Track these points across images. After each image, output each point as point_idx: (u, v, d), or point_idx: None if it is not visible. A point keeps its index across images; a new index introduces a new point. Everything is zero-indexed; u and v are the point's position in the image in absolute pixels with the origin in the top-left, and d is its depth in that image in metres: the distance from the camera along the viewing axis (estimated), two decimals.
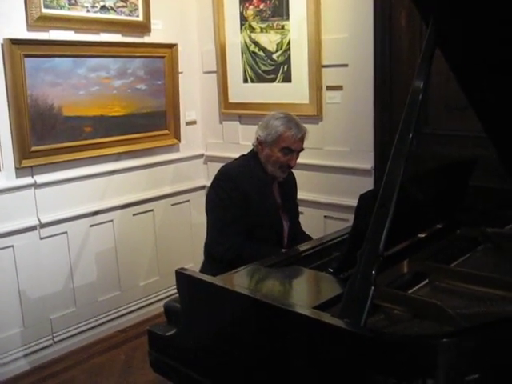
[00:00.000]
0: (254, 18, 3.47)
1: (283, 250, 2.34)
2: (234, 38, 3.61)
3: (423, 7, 1.64)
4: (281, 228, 2.56)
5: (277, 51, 3.41)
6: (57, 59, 3.04)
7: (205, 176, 4.02)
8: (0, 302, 2.99)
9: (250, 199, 2.41)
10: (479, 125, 2.02)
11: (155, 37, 3.55)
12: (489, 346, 1.30)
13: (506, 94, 1.71)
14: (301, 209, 2.82)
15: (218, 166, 2.70)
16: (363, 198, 1.65)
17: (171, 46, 3.57)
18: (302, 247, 2.17)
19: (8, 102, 2.89)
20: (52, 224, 3.16)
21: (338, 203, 3.25)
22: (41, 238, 3.13)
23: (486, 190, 2.58)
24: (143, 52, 3.45)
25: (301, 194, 2.78)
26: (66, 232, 3.24)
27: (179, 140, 3.78)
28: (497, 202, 2.48)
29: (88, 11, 3.17)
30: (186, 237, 3.91)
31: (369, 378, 1.28)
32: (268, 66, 3.48)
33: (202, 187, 3.99)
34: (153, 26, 3.52)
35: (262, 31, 3.46)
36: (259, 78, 3.54)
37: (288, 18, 3.30)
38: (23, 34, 2.93)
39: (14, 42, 2.82)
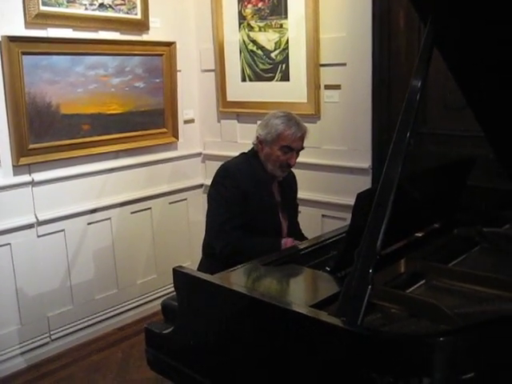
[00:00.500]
0: (252, 16, 3.47)
1: (282, 241, 2.35)
2: (233, 37, 3.61)
3: (421, 7, 1.64)
4: (279, 227, 2.56)
5: (275, 50, 3.41)
6: (55, 57, 3.03)
7: (202, 174, 4.02)
8: None
9: (249, 197, 2.41)
10: (477, 124, 2.03)
11: (153, 35, 3.55)
12: (485, 344, 1.31)
13: (504, 94, 1.72)
14: (299, 208, 2.82)
15: (216, 164, 2.71)
16: (360, 196, 1.65)
17: (169, 44, 3.57)
18: (301, 245, 2.17)
19: (6, 99, 2.88)
20: (49, 222, 3.16)
21: (336, 202, 3.26)
22: (38, 236, 3.12)
23: (484, 190, 2.59)
24: (141, 50, 3.45)
25: (299, 193, 2.78)
26: (63, 230, 3.23)
27: (177, 138, 3.78)
28: (494, 201, 2.48)
29: (86, 9, 3.17)
30: (184, 235, 3.91)
31: (365, 377, 1.29)
32: (266, 65, 3.48)
33: (200, 186, 3.99)
34: (151, 24, 3.52)
35: (260, 30, 3.46)
36: (257, 76, 3.54)
37: (286, 17, 3.30)
38: (21, 31, 2.92)
39: (12, 39, 2.81)
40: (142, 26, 3.47)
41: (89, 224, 3.36)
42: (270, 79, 3.47)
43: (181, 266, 1.83)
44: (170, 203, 3.83)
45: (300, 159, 2.59)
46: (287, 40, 3.33)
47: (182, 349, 1.82)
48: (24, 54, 2.87)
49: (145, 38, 3.51)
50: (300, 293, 1.84)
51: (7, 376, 3.02)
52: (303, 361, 1.44)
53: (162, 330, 1.89)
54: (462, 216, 2.31)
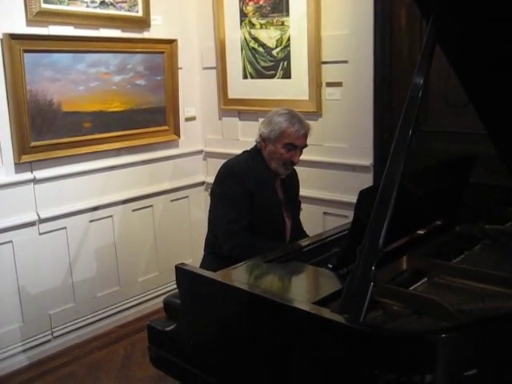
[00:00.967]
0: (253, 13, 3.47)
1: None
2: (234, 34, 3.61)
3: (424, 4, 1.64)
4: (283, 225, 2.56)
5: (276, 47, 3.41)
6: (56, 54, 3.03)
7: (204, 172, 4.02)
8: None
9: (253, 195, 2.41)
10: (479, 122, 2.03)
11: (155, 32, 3.55)
12: (487, 341, 1.31)
13: (506, 91, 1.72)
14: (301, 205, 2.82)
15: (218, 162, 2.71)
16: (363, 194, 1.65)
17: (171, 42, 3.57)
18: (302, 243, 2.17)
19: (7, 97, 2.88)
20: (51, 219, 3.16)
21: (338, 199, 3.26)
22: (40, 234, 3.13)
23: (486, 187, 2.59)
24: (143, 48, 3.45)
25: (300, 191, 2.78)
26: (65, 227, 3.24)
27: (178, 136, 3.78)
28: (496, 199, 2.48)
29: (87, 6, 3.16)
30: (185, 232, 3.91)
31: (368, 374, 1.29)
32: (268, 62, 3.47)
33: (202, 183, 3.99)
34: (152, 22, 3.52)
35: (261, 27, 3.45)
36: (259, 74, 3.54)
37: (288, 14, 3.30)
38: (23, 29, 2.92)
39: (14, 37, 2.81)
40: (144, 23, 3.47)
41: (90, 222, 3.36)
42: (272, 77, 3.47)
43: (183, 264, 1.83)
44: (172, 201, 3.83)
45: (301, 157, 2.58)
46: (289, 37, 3.33)
47: (184, 346, 1.82)
48: (25, 51, 2.87)
49: (146, 35, 3.51)
50: (302, 290, 1.84)
51: (9, 373, 3.03)
52: (306, 358, 1.44)
53: (165, 328, 1.89)
54: (464, 213, 2.31)
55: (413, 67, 2.82)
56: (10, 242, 2.99)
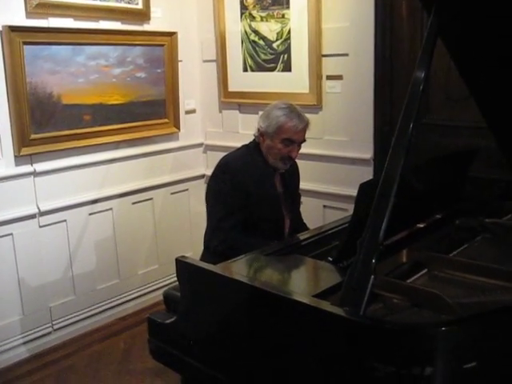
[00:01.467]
0: (254, 6, 3.46)
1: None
2: (234, 27, 3.60)
3: None
4: (282, 219, 2.54)
5: (277, 40, 3.40)
6: (56, 47, 3.03)
7: (204, 165, 4.02)
8: None
9: (250, 190, 2.39)
10: (480, 115, 2.03)
11: (155, 25, 3.53)
12: (487, 334, 1.31)
13: (507, 84, 1.71)
14: (301, 198, 2.82)
15: (218, 154, 2.70)
16: (363, 187, 1.65)
17: (171, 34, 3.55)
18: (302, 236, 2.17)
19: (7, 89, 2.88)
20: (51, 212, 3.16)
21: (338, 193, 3.26)
22: (40, 226, 3.13)
23: (486, 181, 2.59)
24: (143, 40, 3.44)
25: (301, 184, 2.77)
26: (65, 220, 3.24)
27: (178, 129, 3.78)
28: (496, 192, 2.48)
29: None
30: (185, 225, 3.92)
31: (368, 366, 1.29)
32: (268, 55, 3.47)
33: (202, 176, 3.99)
34: (152, 14, 3.51)
35: (262, 20, 3.44)
36: (259, 66, 3.53)
37: (288, 7, 3.28)
38: (22, 21, 2.91)
39: (13, 29, 2.80)
40: (144, 15, 3.45)
41: (90, 214, 3.37)
42: (272, 69, 3.46)
43: (184, 256, 1.83)
44: (172, 194, 3.83)
45: (302, 150, 2.58)
46: (289, 30, 3.32)
47: (184, 338, 1.83)
48: (25, 43, 2.86)
49: (146, 27, 3.50)
50: (302, 282, 1.85)
51: (9, 366, 3.04)
52: (306, 351, 1.45)
53: (165, 320, 1.89)
54: (463, 206, 2.31)
55: (413, 60, 2.84)
56: (11, 234, 3.00)
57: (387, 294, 1.63)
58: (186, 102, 3.85)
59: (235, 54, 3.64)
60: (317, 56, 3.20)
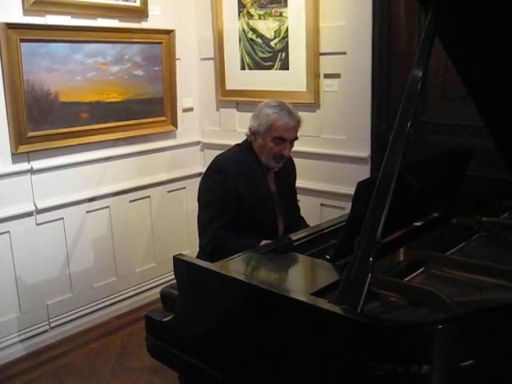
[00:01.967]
0: (252, 4, 3.45)
1: (263, 242, 2.26)
2: (232, 25, 3.59)
3: None
4: (275, 218, 2.53)
5: (275, 38, 3.40)
6: (53, 44, 3.02)
7: (201, 163, 4.02)
8: None
9: (241, 190, 2.37)
10: (477, 114, 2.03)
11: (152, 22, 3.53)
12: (483, 332, 1.32)
13: (505, 83, 1.72)
14: (298, 197, 2.82)
15: (215, 153, 2.70)
16: (361, 185, 1.66)
17: (168, 32, 3.55)
18: (299, 234, 2.17)
19: (4, 87, 2.87)
20: (48, 210, 3.16)
21: (335, 191, 3.26)
22: (37, 224, 3.13)
23: (483, 180, 2.60)
24: (140, 38, 3.43)
25: (297, 182, 2.77)
26: (62, 218, 3.24)
27: (176, 127, 3.78)
28: (493, 191, 2.49)
29: None
30: (182, 223, 3.92)
31: (365, 364, 1.30)
32: (266, 54, 3.47)
33: (199, 174, 3.97)
34: (150, 12, 3.50)
35: (260, 18, 3.44)
36: (257, 65, 3.53)
37: (286, 5, 3.28)
38: (19, 18, 2.90)
39: (10, 26, 2.80)
40: (141, 13, 3.45)
41: (88, 212, 3.36)
42: (270, 68, 3.46)
43: (181, 254, 1.83)
44: (169, 192, 3.83)
45: (299, 148, 2.58)
46: (287, 28, 3.32)
47: (182, 336, 1.83)
48: (22, 41, 2.86)
49: (144, 25, 3.49)
50: (300, 281, 1.85)
51: (6, 363, 3.04)
52: (303, 348, 1.45)
53: (163, 318, 1.89)
54: (460, 205, 2.32)
55: (411, 59, 2.83)
56: (8, 232, 2.99)
57: (384, 293, 1.64)
58: (183, 100, 3.85)
59: (233, 52, 3.64)
60: (314, 54, 3.20)
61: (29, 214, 3.07)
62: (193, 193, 3.87)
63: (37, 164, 3.07)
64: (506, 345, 1.34)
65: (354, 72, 3.10)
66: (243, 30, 3.54)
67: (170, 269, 1.88)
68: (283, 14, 3.31)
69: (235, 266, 1.82)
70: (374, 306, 1.59)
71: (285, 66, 3.39)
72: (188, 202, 3.93)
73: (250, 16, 3.49)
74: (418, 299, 1.57)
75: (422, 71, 1.56)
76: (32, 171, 3.06)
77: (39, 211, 3.11)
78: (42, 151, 3.07)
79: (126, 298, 3.64)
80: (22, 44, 2.86)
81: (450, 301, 1.51)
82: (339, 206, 3.22)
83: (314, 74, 3.23)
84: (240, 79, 3.65)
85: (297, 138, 2.44)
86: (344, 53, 3.12)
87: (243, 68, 3.61)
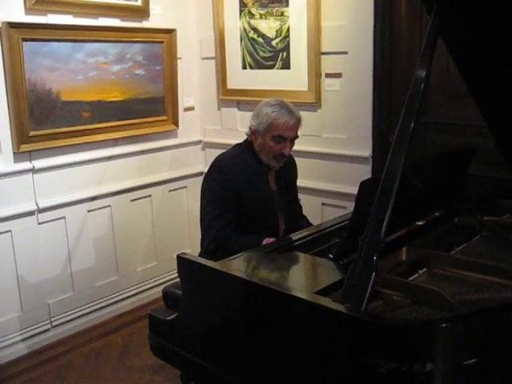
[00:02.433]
0: (253, 4, 3.46)
1: (265, 241, 2.26)
2: (233, 24, 3.60)
3: None
4: (276, 217, 2.53)
5: (276, 38, 3.40)
6: (55, 43, 3.02)
7: (202, 162, 4.02)
8: None
9: (242, 190, 2.38)
10: (478, 114, 2.04)
11: (154, 22, 3.53)
12: (486, 331, 1.32)
13: (507, 82, 1.73)
14: (299, 196, 2.82)
15: (216, 152, 2.70)
16: (364, 185, 1.66)
17: (170, 32, 3.55)
18: (301, 234, 2.17)
19: (6, 86, 2.87)
20: (50, 209, 3.16)
21: (336, 190, 3.27)
22: (39, 223, 3.13)
23: (484, 179, 2.60)
24: (142, 37, 3.43)
25: (299, 181, 2.78)
26: (63, 217, 3.24)
27: (177, 126, 3.78)
28: (494, 190, 2.50)
29: None
30: (184, 223, 3.92)
31: (369, 362, 1.30)
32: (267, 53, 3.47)
33: (200, 173, 3.98)
34: (151, 11, 3.50)
35: (261, 17, 3.44)
36: (258, 64, 3.54)
37: (288, 5, 3.28)
38: (21, 17, 2.90)
39: (12, 25, 2.80)
40: (143, 12, 3.45)
41: (89, 211, 3.37)
42: (271, 67, 3.47)
43: (184, 253, 1.84)
44: (170, 191, 3.84)
45: (300, 147, 2.58)
46: (288, 28, 3.32)
47: (185, 334, 1.84)
48: (24, 40, 2.86)
49: (145, 24, 3.50)
50: (303, 279, 1.85)
51: (8, 362, 3.05)
52: (306, 347, 1.46)
53: (166, 317, 1.90)
54: (462, 205, 2.32)
55: (413, 58, 2.86)
56: (9, 231, 3.00)
57: (387, 291, 1.64)
58: (184, 99, 3.85)
59: (234, 52, 3.64)
60: (316, 54, 3.20)
61: (30, 213, 3.07)
62: (194, 192, 3.91)
63: (38, 163, 3.08)
64: (508, 343, 1.34)
65: (356, 71, 3.10)
66: (244, 29, 3.55)
67: (172, 268, 1.90)
68: (284, 14, 3.32)
69: (238, 265, 1.82)
70: (377, 305, 1.60)
71: (286, 65, 3.39)
72: (189, 201, 3.94)
73: (252, 15, 3.49)
74: (421, 298, 1.58)
75: (426, 71, 1.56)
76: (34, 170, 3.06)
77: (41, 210, 3.11)
78: (44, 150, 3.08)
79: (127, 297, 3.65)
80: (23, 43, 2.86)
81: (453, 300, 1.52)
82: (340, 205, 3.22)
83: (315, 74, 3.23)
84: (241, 78, 3.65)
85: (297, 137, 2.44)
86: (345, 52, 3.12)
87: (244, 67, 3.62)
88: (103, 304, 3.51)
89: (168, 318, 1.89)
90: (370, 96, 3.07)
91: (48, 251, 3.19)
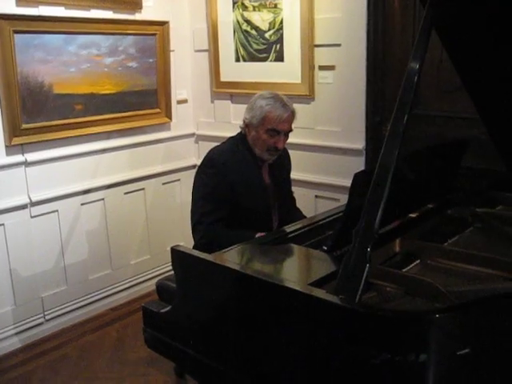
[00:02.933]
0: None
1: (257, 235, 2.24)
2: (227, 17, 3.58)
3: None
4: (269, 211, 2.53)
5: (269, 30, 3.39)
6: (47, 36, 3.00)
7: (196, 155, 4.02)
8: None
9: (236, 184, 2.37)
10: (471, 106, 2.04)
11: (146, 14, 3.51)
12: (479, 321, 1.33)
13: (501, 75, 1.73)
14: (292, 188, 2.82)
15: (209, 145, 2.70)
16: (358, 177, 1.66)
17: (163, 24, 3.54)
18: (296, 226, 2.18)
19: None
20: (43, 202, 3.15)
21: (329, 183, 3.27)
22: (32, 217, 3.12)
23: (477, 171, 2.61)
24: (134, 29, 3.41)
25: (292, 174, 2.78)
26: (56, 210, 3.23)
27: (170, 119, 3.77)
28: (487, 182, 2.51)
29: None
30: (177, 216, 3.91)
31: (363, 353, 1.31)
32: (260, 45, 3.46)
33: (193, 166, 3.98)
34: (144, 3, 3.48)
35: (254, 10, 3.43)
36: (251, 56, 3.53)
37: None
38: (12, 9, 2.88)
39: (3, 17, 2.78)
40: (135, 4, 3.43)
41: (82, 205, 3.36)
42: (264, 59, 3.46)
43: (178, 245, 1.84)
44: (164, 184, 3.83)
45: (294, 140, 2.57)
46: (281, 20, 3.31)
47: (179, 327, 1.84)
48: (16, 32, 2.84)
49: (138, 17, 3.48)
50: (297, 271, 1.86)
51: (1, 356, 3.05)
52: (301, 338, 1.46)
53: (160, 310, 1.90)
54: (455, 197, 2.33)
55: (406, 51, 2.86)
56: (2, 225, 2.99)
57: (381, 283, 1.65)
58: (177, 91, 3.84)
59: (227, 44, 3.63)
60: (309, 46, 3.20)
61: (23, 207, 3.06)
62: (187, 185, 3.89)
63: (31, 156, 3.06)
64: (501, 334, 1.35)
65: (349, 64, 3.10)
66: (238, 21, 3.53)
67: (165, 261, 1.89)
68: (278, 6, 3.31)
69: (232, 257, 1.82)
70: (370, 296, 1.60)
71: (279, 57, 3.38)
72: (182, 194, 3.93)
73: (245, 7, 3.47)
74: (415, 289, 1.59)
75: (419, 63, 1.56)
76: (26, 163, 3.04)
77: (33, 204, 3.10)
78: (36, 143, 3.06)
79: (121, 290, 3.65)
80: (15, 35, 2.84)
81: (446, 291, 1.52)
82: (334, 197, 3.23)
83: (308, 66, 3.23)
84: (234, 71, 3.64)
85: (291, 130, 2.44)
86: (339, 45, 3.12)
87: (238, 60, 3.61)
88: (97, 297, 3.51)
89: (162, 311, 1.88)
90: (363, 88, 3.07)
91: (41, 245, 3.18)
